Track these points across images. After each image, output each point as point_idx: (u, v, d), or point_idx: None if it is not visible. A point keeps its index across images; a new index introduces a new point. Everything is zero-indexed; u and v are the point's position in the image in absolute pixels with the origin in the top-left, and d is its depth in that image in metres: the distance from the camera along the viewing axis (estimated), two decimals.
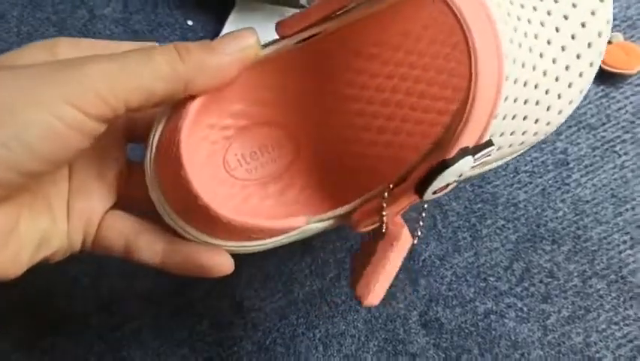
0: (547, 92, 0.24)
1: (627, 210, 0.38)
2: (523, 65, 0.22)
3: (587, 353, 0.36)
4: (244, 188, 0.24)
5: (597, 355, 0.36)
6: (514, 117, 0.22)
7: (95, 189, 0.23)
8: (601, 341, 0.36)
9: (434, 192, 0.21)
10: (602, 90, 0.41)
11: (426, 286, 0.37)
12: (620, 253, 0.38)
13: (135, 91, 0.19)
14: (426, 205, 0.22)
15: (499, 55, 0.19)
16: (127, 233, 0.23)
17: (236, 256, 0.37)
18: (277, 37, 0.22)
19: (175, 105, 0.21)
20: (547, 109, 0.24)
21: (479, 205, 0.38)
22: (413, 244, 0.22)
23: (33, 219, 0.21)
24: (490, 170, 0.27)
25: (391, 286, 0.36)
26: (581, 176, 0.39)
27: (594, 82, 0.41)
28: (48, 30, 0.42)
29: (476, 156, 0.20)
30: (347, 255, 0.37)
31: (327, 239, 0.38)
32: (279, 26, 0.22)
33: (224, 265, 0.23)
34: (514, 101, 0.22)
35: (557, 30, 0.23)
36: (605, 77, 0.41)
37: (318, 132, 0.25)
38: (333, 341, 0.36)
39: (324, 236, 0.37)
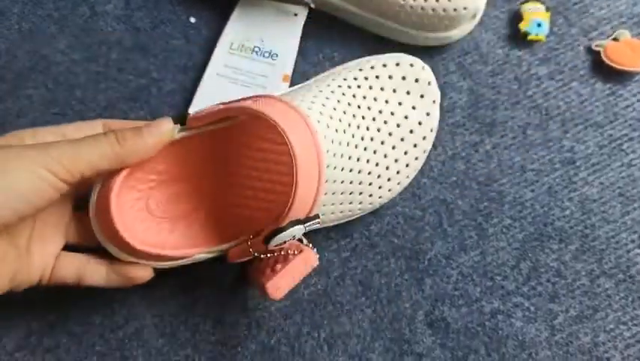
0: (379, 177, 0.34)
1: (635, 208, 0.38)
2: (358, 159, 0.33)
3: (595, 353, 0.35)
4: (159, 225, 0.33)
5: (605, 355, 0.35)
6: (341, 202, 0.33)
7: (50, 236, 0.31)
8: (609, 341, 0.35)
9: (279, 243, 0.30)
10: (609, 88, 0.41)
11: (432, 286, 0.36)
12: (629, 252, 0.37)
13: (88, 165, 0.28)
14: (303, 234, 0.31)
15: (321, 165, 0.29)
16: (77, 266, 0.31)
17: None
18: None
19: (108, 174, 0.30)
20: (379, 188, 0.34)
21: (485, 204, 0.38)
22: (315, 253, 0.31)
23: (7, 255, 0.29)
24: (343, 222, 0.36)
25: (396, 285, 0.36)
26: (588, 174, 0.39)
27: (601, 80, 0.41)
28: (49, 27, 0.41)
29: (305, 225, 0.30)
30: (352, 254, 0.37)
31: (331, 238, 0.37)
32: (188, 119, 0.31)
33: (146, 275, 0.32)
34: (342, 182, 0.32)
35: (390, 134, 0.34)
36: (611, 75, 0.40)
37: (215, 191, 0.35)
38: (338, 341, 0.35)
39: (328, 235, 0.37)
